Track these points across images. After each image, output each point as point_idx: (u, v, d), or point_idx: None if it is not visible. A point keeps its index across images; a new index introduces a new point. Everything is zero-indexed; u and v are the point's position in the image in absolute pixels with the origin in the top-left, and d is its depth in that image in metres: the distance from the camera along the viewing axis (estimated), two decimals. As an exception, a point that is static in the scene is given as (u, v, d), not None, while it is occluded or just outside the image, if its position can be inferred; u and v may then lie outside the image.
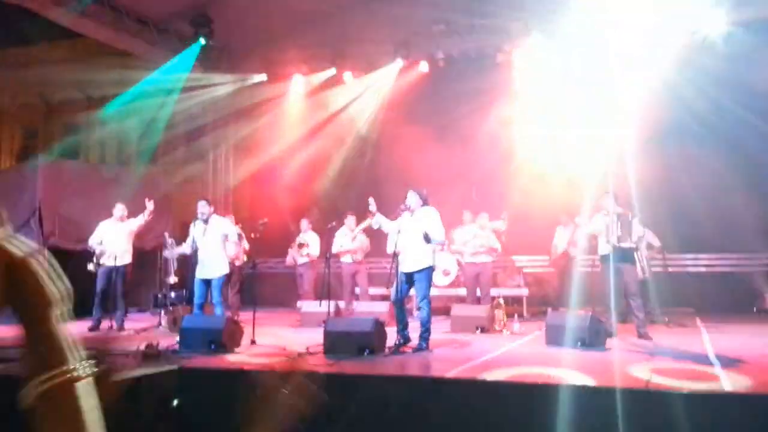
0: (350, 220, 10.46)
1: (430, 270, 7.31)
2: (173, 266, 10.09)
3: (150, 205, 9.47)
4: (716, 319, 9.66)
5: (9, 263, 1.15)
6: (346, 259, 10.54)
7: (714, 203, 10.68)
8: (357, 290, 10.85)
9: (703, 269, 11.69)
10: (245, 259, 10.67)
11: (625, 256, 8.15)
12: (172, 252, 9.65)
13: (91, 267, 9.45)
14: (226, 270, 8.52)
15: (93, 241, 9.57)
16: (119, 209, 9.73)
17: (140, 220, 9.63)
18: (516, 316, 9.37)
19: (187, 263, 9.15)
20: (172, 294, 10.26)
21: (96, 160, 17.21)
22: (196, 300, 8.38)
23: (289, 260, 11.17)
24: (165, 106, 13.07)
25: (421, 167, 11.81)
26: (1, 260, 1.14)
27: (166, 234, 9.77)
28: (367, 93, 13.25)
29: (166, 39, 12.48)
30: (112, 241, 9.52)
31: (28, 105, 18.23)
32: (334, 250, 10.35)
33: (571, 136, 11.94)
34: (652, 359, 6.21)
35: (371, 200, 7.48)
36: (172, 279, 10.07)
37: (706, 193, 10.66)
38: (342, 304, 10.26)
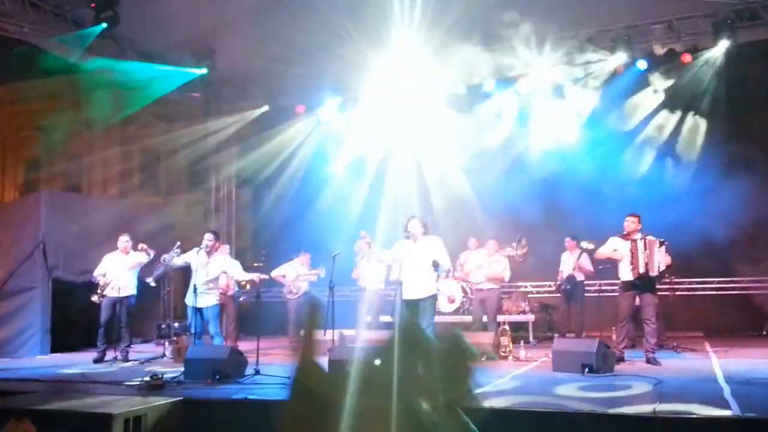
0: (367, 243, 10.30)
1: (434, 297, 7.28)
2: (158, 270, 9.76)
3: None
4: (725, 343, 9.57)
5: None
6: (371, 285, 10.52)
7: (723, 226, 10.66)
8: (368, 318, 10.78)
9: (711, 293, 11.58)
10: (247, 287, 10.58)
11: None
12: (170, 257, 9.26)
13: (95, 298, 9.45)
14: (214, 301, 8.51)
15: (98, 272, 9.58)
16: (123, 240, 9.73)
17: (145, 258, 9.63)
18: (522, 342, 9.29)
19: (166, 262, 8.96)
20: (176, 324, 10.21)
21: (99, 192, 17.28)
22: (193, 329, 8.36)
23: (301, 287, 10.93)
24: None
25: (425, 193, 11.85)
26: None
27: (178, 243, 9.44)
28: (372, 119, 13.29)
29: (169, 71, 12.57)
30: (116, 272, 9.52)
31: (30, 137, 18.38)
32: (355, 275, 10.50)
33: (574, 160, 12.00)
34: (660, 384, 6.14)
35: (364, 233, 7.48)
36: (150, 280, 9.78)
37: (713, 215, 10.64)
38: (353, 332, 10.21)
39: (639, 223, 8.17)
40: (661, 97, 11.76)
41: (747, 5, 10.55)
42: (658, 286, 9.56)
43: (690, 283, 11.34)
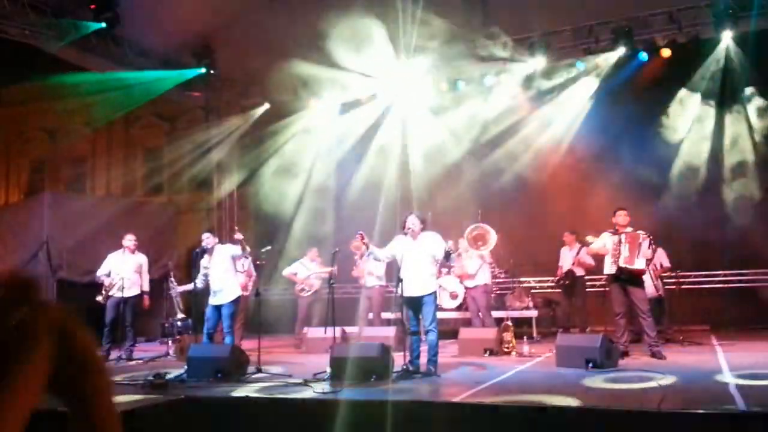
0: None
1: (435, 294, 7.25)
2: (178, 303, 10.09)
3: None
4: (732, 336, 9.51)
5: (63, 328, 0.99)
6: (371, 282, 10.47)
7: (729, 219, 10.60)
8: (370, 315, 10.76)
9: (718, 286, 11.47)
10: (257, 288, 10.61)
11: (631, 277, 7.98)
12: (176, 291, 9.74)
13: (100, 298, 9.45)
14: (237, 293, 8.50)
15: (101, 272, 9.59)
16: (128, 240, 9.73)
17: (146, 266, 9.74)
18: (525, 337, 9.25)
19: (192, 293, 9.11)
20: (179, 323, 10.23)
21: (102, 192, 17.32)
22: (207, 329, 8.34)
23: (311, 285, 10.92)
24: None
25: (424, 191, 11.83)
26: (53, 323, 0.98)
27: (171, 275, 9.77)
28: (369, 117, 13.27)
29: (170, 71, 12.58)
30: (121, 272, 9.52)
31: (34, 139, 18.43)
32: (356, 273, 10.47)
33: (576, 157, 11.94)
34: (664, 379, 6.09)
35: (362, 234, 7.40)
36: (180, 315, 10.08)
37: (719, 209, 10.57)
38: (354, 329, 10.19)
39: (621, 216, 8.14)
40: (671, 86, 11.66)
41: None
42: (665, 281, 9.56)
43: (696, 276, 11.25)
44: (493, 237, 9.84)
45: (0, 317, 0.94)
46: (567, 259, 10.76)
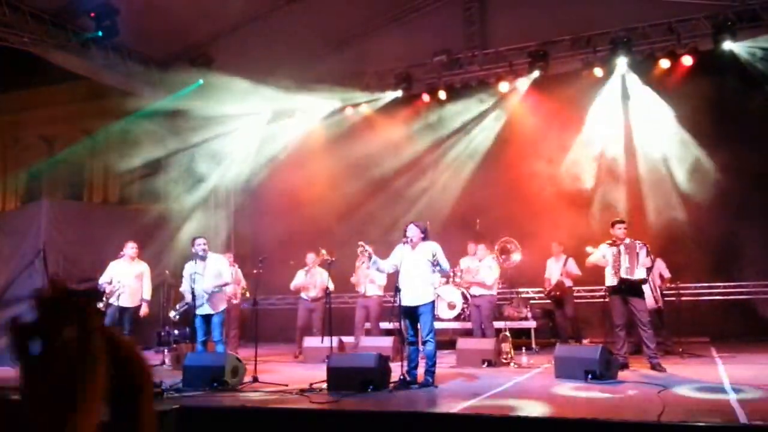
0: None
1: (433, 303, 7.20)
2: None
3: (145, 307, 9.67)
4: (732, 349, 9.44)
5: (114, 342, 1.07)
6: (370, 291, 10.38)
7: (729, 231, 10.56)
8: (367, 324, 10.67)
9: (718, 298, 11.41)
10: (246, 294, 10.54)
11: (633, 288, 7.95)
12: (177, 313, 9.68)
13: (100, 305, 9.34)
14: (223, 306, 8.44)
15: (103, 280, 9.48)
16: (130, 248, 9.62)
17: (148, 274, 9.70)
18: (524, 348, 9.19)
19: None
20: (176, 332, 10.15)
21: (99, 200, 17.27)
22: (199, 337, 8.29)
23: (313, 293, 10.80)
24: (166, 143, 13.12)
25: (422, 199, 11.82)
26: (108, 343, 1.06)
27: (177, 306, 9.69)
28: (366, 124, 13.27)
29: (167, 79, 12.58)
30: (122, 280, 9.42)
31: (31, 147, 18.40)
32: (354, 280, 10.39)
33: (574, 168, 11.92)
34: (664, 391, 6.04)
35: (363, 245, 7.34)
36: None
37: (721, 220, 10.53)
38: (352, 339, 10.11)
39: (619, 228, 8.08)
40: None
41: (747, 6, 10.49)
42: (664, 292, 9.51)
43: (696, 288, 11.20)
44: (517, 254, 9.96)
45: (52, 335, 0.99)
46: (554, 270, 10.74)
